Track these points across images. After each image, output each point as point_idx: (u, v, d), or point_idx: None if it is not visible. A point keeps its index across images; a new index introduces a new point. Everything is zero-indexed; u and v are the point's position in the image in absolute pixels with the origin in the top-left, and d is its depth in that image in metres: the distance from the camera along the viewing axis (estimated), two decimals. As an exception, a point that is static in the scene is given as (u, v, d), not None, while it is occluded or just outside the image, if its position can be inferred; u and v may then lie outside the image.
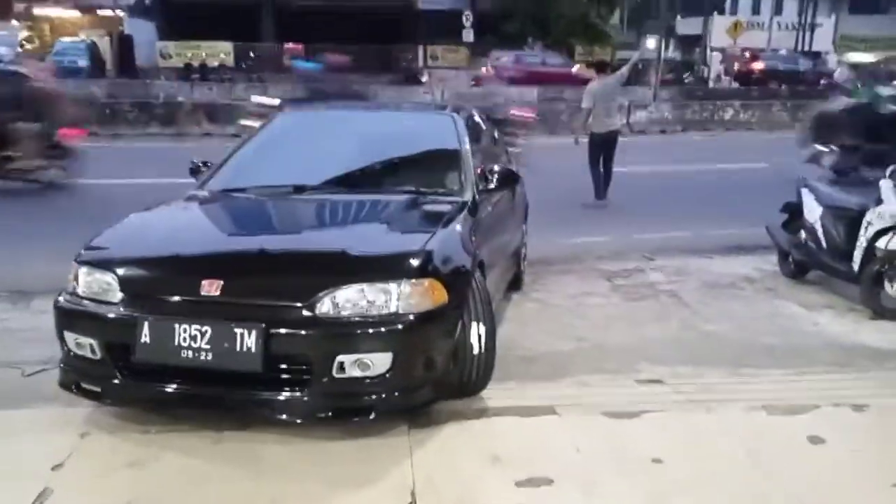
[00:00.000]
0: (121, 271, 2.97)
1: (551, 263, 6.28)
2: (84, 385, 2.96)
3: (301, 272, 2.97)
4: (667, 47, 32.65)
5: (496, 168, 4.08)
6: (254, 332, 2.63)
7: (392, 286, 2.75)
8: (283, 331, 2.66)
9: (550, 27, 29.14)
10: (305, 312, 2.70)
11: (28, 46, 28.36)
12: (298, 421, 2.78)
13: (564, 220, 7.58)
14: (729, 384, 3.61)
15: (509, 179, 4.10)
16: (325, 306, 2.71)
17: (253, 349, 2.63)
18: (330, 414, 2.74)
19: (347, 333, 2.70)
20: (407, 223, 3.37)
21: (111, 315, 2.86)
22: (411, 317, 2.73)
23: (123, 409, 3.11)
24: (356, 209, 3.69)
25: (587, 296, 5.39)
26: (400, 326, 2.71)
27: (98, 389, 2.93)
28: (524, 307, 5.09)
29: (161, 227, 3.47)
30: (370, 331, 2.70)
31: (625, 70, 9.12)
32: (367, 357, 2.69)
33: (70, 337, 2.98)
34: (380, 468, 2.73)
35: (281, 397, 2.72)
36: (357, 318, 2.71)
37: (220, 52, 30.14)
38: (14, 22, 33.22)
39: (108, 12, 31.84)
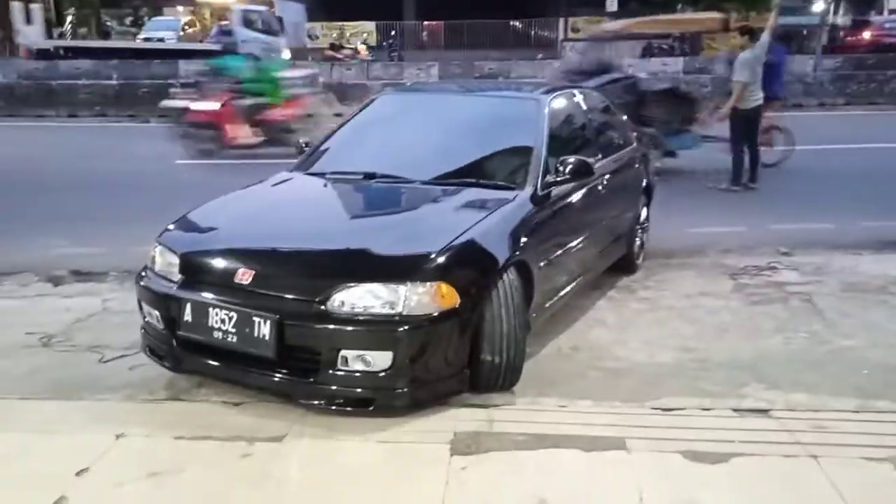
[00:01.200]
0: (182, 254, 3.29)
1: (671, 256, 5.70)
2: (153, 349, 3.37)
3: (319, 268, 3.11)
4: (836, 10, 29.59)
5: (570, 160, 3.80)
6: (269, 322, 2.86)
7: (400, 288, 2.84)
8: (294, 322, 2.86)
9: (702, -7, 27.13)
10: (316, 307, 2.87)
11: (189, 30, 30.15)
12: (304, 401, 2.98)
13: (693, 207, 6.88)
14: (853, 422, 3.00)
15: (583, 172, 3.82)
16: (334, 303, 2.86)
17: (267, 337, 2.86)
18: (335, 401, 2.89)
19: (351, 330, 2.83)
20: (441, 219, 3.39)
21: (168, 292, 3.18)
22: (415, 319, 2.82)
23: (162, 413, 3.15)
24: (405, 201, 3.78)
25: (703, 296, 4.80)
26: (401, 328, 2.81)
27: (161, 354, 3.30)
28: (628, 307, 4.61)
29: (228, 214, 3.75)
30: (372, 329, 2.83)
31: (765, 36, 8.16)
32: (368, 354, 2.82)
33: (144, 307, 3.39)
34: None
35: (292, 382, 2.93)
36: (362, 316, 2.83)
37: (363, 31, 30.72)
38: (178, 8, 35.60)
39: (261, -5, 33.19)
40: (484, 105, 4.66)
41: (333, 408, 2.91)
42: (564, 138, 4.35)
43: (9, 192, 8.35)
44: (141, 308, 3.43)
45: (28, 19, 23.66)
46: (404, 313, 2.82)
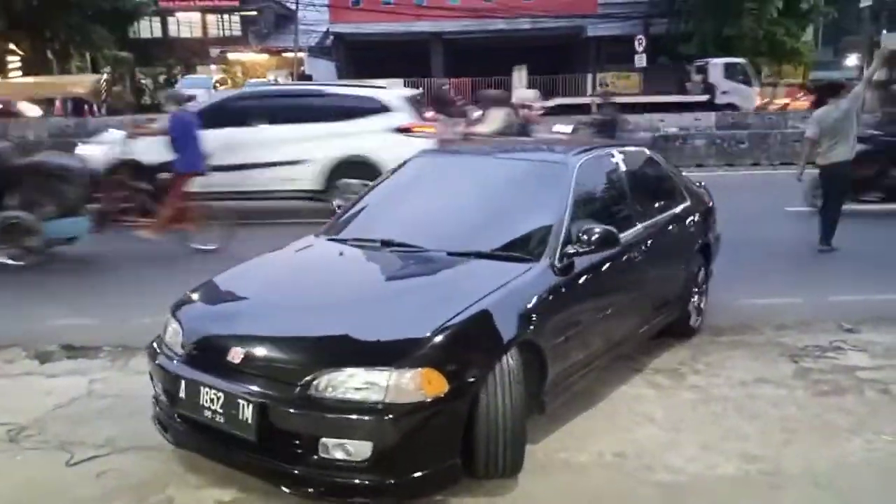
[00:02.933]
0: (185, 328, 3.21)
1: (720, 332, 5.11)
2: (160, 419, 3.25)
3: (305, 350, 2.95)
4: (870, 65, 29.09)
5: (595, 229, 3.54)
6: (251, 405, 2.77)
7: (383, 374, 2.69)
8: (276, 406, 2.75)
9: (733, 47, 26.82)
10: (300, 391, 2.74)
11: (221, 88, 30.56)
12: (287, 491, 2.82)
13: (742, 275, 6.25)
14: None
15: (608, 242, 3.58)
16: (318, 387, 2.73)
17: (250, 420, 2.76)
18: (321, 490, 2.75)
19: (332, 417, 2.69)
20: (441, 296, 3.18)
21: (167, 367, 3.12)
22: (398, 408, 2.66)
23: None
24: (411, 273, 3.59)
25: (762, 384, 4.20)
26: (381, 417, 2.65)
27: (165, 427, 3.19)
28: (678, 398, 4.02)
29: (237, 286, 3.62)
30: (353, 417, 2.67)
31: (859, 89, 7.71)
32: (347, 443, 2.69)
33: (153, 378, 3.29)
34: None
35: (277, 467, 2.80)
36: (342, 403, 2.69)
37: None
38: (211, 66, 36.24)
39: (291, 54, 33.64)
40: (511, 168, 4.39)
41: (307, 496, 2.78)
42: (594, 204, 4.14)
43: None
44: (152, 378, 3.33)
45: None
46: (387, 401, 2.66)
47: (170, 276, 6.03)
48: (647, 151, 5.21)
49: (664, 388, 4.16)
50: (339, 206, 4.62)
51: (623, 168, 4.52)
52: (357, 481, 2.71)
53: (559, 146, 5.01)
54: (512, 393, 2.93)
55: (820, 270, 6.75)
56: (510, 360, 2.96)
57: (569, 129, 10.72)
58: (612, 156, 4.53)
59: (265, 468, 2.84)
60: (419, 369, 2.70)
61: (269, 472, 2.85)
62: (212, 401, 2.87)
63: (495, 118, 9.33)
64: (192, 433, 3.04)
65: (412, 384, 2.68)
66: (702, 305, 5.18)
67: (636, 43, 26.42)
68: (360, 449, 2.68)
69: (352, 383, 2.70)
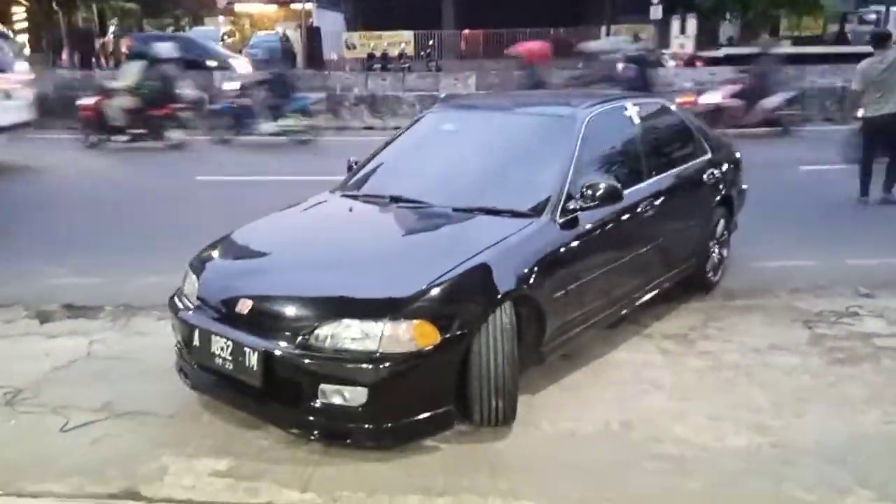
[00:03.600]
0: (201, 279, 3.37)
1: (732, 296, 4.98)
2: (181, 367, 3.42)
3: (306, 303, 3.05)
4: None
5: (599, 185, 3.57)
6: (256, 353, 2.91)
7: (377, 325, 2.81)
8: (278, 355, 2.88)
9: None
10: (301, 341, 2.87)
11: (228, 41, 30.11)
12: (287, 430, 3.05)
13: (754, 236, 6.04)
14: None
15: (611, 197, 3.59)
16: (317, 337, 2.86)
17: (255, 367, 2.91)
18: (321, 432, 2.93)
19: (330, 365, 2.84)
20: (439, 251, 3.32)
21: (184, 317, 3.27)
22: (391, 356, 2.79)
23: None
24: (414, 228, 3.70)
25: (775, 350, 4.08)
26: (376, 365, 2.78)
27: (185, 373, 3.37)
28: (687, 365, 3.91)
29: (251, 241, 3.77)
30: (348, 365, 2.82)
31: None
32: (344, 389, 2.82)
33: (173, 327, 3.44)
34: None
35: (278, 410, 3.00)
36: (339, 352, 2.83)
37: (400, 41, 30.26)
38: (219, 18, 35.68)
39: (300, 5, 32.98)
40: (521, 122, 4.43)
41: (311, 438, 2.96)
42: (603, 158, 4.11)
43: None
44: (173, 328, 3.46)
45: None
46: (381, 350, 2.79)
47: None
48: (667, 104, 5.18)
49: (673, 354, 4.05)
50: (355, 161, 4.62)
51: (637, 121, 4.44)
52: (354, 425, 2.87)
53: (573, 98, 4.88)
54: (504, 345, 3.03)
55: (836, 232, 6.54)
56: (504, 314, 3.05)
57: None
58: (626, 108, 4.46)
59: (270, 412, 3.02)
60: (412, 321, 2.82)
61: (274, 416, 3.03)
62: (222, 349, 3.02)
63: None
64: (206, 379, 3.21)
65: (405, 335, 2.80)
66: (723, 256, 5.19)
67: (652, -7, 25.64)
68: (357, 395, 2.80)
69: (348, 334, 2.82)
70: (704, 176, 4.87)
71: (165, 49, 12.83)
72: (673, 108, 5.18)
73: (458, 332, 2.90)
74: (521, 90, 10.62)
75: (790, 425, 3.21)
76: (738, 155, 5.53)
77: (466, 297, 3.03)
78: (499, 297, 3.05)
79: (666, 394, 3.55)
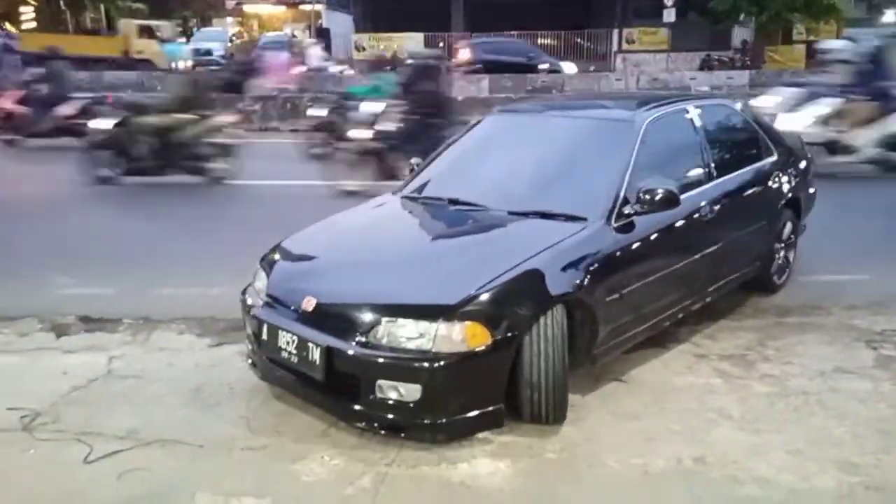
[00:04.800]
0: (270, 277, 3.56)
1: (786, 313, 4.70)
2: (251, 358, 3.57)
3: (367, 302, 3.14)
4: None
5: (657, 190, 3.55)
6: (319, 349, 3.05)
7: (432, 326, 2.92)
8: (339, 351, 3.02)
9: (767, 2, 25.70)
10: (360, 338, 3.01)
11: (237, 42, 29.93)
12: (346, 422, 3.19)
13: (801, 248, 5.77)
14: None
15: (668, 202, 3.58)
16: (375, 335, 3.00)
17: (317, 362, 3.06)
18: (377, 425, 3.04)
19: (387, 362, 2.95)
20: (494, 253, 3.36)
21: (254, 312, 3.43)
22: (444, 356, 2.89)
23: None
24: (471, 231, 3.76)
25: (841, 374, 3.81)
26: (430, 364, 2.89)
27: (255, 364, 3.52)
28: (752, 391, 3.64)
29: (318, 240, 3.91)
30: (404, 363, 2.93)
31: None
32: (400, 385, 2.94)
33: (245, 322, 3.60)
34: None
35: (338, 403, 3.13)
36: (395, 350, 2.95)
37: (410, 43, 30.02)
38: (227, 19, 35.52)
39: (309, 6, 32.84)
40: (580, 127, 4.39)
41: (365, 428, 3.10)
42: (661, 162, 4.02)
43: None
44: (244, 322, 3.61)
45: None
46: (434, 350, 2.90)
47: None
48: (732, 105, 5.10)
49: (734, 378, 3.78)
50: (417, 164, 4.76)
51: (698, 124, 4.41)
52: (409, 419, 2.98)
53: (633, 102, 4.74)
54: (555, 347, 3.10)
55: (884, 243, 6.26)
56: (555, 317, 3.12)
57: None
58: (687, 111, 4.41)
59: (331, 404, 3.17)
60: (465, 322, 2.92)
61: (335, 408, 3.18)
62: (288, 343, 3.18)
63: None
64: (274, 371, 3.35)
65: (457, 336, 2.90)
66: (789, 260, 5.15)
67: (665, -4, 25.40)
68: (411, 391, 2.93)
69: (404, 333, 2.95)
70: (770, 178, 4.82)
71: None
72: (738, 108, 5.11)
73: (509, 334, 2.98)
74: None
75: (880, 463, 2.94)
76: (808, 157, 5.47)
77: (517, 300, 3.08)
78: (550, 300, 3.12)
79: (735, 424, 3.28)
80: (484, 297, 3.01)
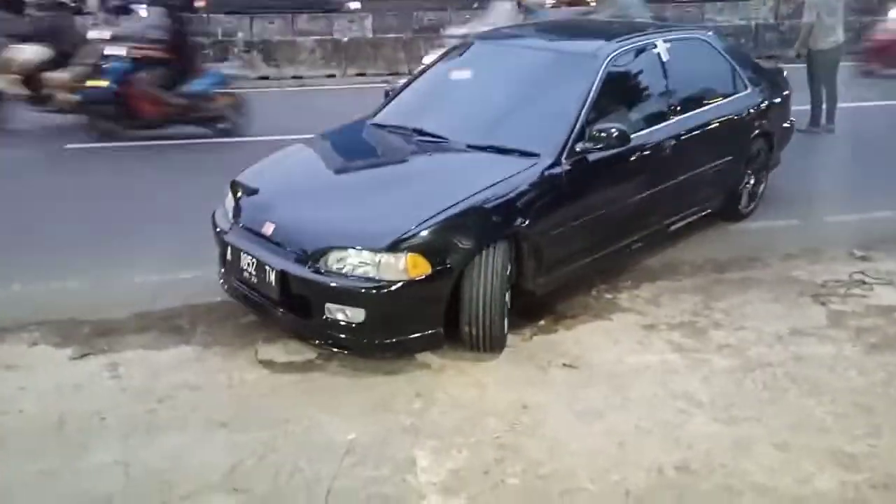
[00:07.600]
0: (238, 198, 3.72)
1: (722, 268, 4.38)
2: (220, 278, 3.74)
3: (318, 229, 3.32)
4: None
5: (610, 129, 3.63)
6: (274, 271, 3.26)
7: (375, 255, 3.10)
8: (292, 274, 3.22)
9: None
10: (311, 264, 3.20)
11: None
12: (302, 338, 3.43)
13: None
14: None
15: (619, 140, 3.65)
16: (324, 262, 3.18)
17: (273, 283, 3.28)
18: (326, 342, 3.29)
19: (332, 287, 3.15)
20: (442, 187, 3.50)
21: (221, 234, 3.63)
22: (386, 283, 3.07)
23: None
24: (426, 163, 3.90)
25: (800, 338, 3.52)
26: (373, 290, 3.08)
27: (223, 283, 3.71)
28: (713, 367, 3.26)
29: (285, 164, 4.10)
30: (349, 288, 3.12)
31: None
32: (346, 308, 3.14)
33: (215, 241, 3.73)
34: None
35: (295, 321, 3.35)
36: (343, 276, 3.14)
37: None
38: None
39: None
40: (545, 59, 4.37)
41: (317, 343, 3.33)
42: (624, 97, 4.17)
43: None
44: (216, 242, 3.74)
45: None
46: (377, 277, 3.08)
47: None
48: (707, 38, 5.01)
49: (690, 351, 3.41)
50: (390, 90, 4.74)
51: (665, 59, 4.37)
52: (353, 338, 3.20)
53: (603, 34, 4.61)
54: (494, 278, 3.23)
55: (811, 185, 6.01)
56: (497, 250, 3.26)
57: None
58: (655, 46, 4.39)
59: (286, 322, 3.38)
60: (407, 253, 3.08)
61: (289, 324, 3.39)
62: (248, 265, 3.38)
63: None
64: (239, 289, 3.55)
65: (399, 265, 3.07)
66: (757, 192, 5.18)
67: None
68: (356, 314, 3.12)
69: (351, 260, 3.12)
70: (740, 113, 4.84)
71: None
72: (713, 43, 5.00)
73: (448, 265, 3.14)
74: None
75: (876, 451, 2.61)
76: (786, 91, 5.44)
77: (458, 234, 3.22)
78: (490, 235, 3.26)
79: (708, 413, 2.89)
80: (426, 230, 3.16)
